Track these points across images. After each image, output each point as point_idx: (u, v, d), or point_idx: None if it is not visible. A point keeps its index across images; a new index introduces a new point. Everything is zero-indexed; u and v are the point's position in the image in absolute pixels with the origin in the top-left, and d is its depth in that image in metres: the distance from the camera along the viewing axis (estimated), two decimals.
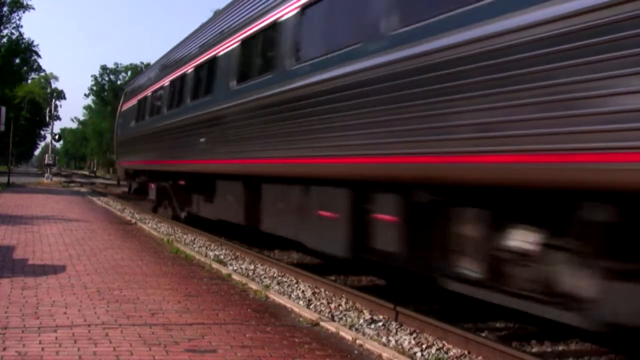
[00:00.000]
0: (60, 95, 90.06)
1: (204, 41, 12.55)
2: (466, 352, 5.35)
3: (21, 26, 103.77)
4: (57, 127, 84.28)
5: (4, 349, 4.32)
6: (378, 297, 7.19)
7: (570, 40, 3.85)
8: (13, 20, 62.42)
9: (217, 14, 13.22)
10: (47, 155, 45.04)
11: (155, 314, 5.63)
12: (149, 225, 14.92)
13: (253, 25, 9.47)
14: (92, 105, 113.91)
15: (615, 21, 3.59)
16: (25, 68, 69.72)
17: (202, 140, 11.44)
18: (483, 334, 5.93)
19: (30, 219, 13.98)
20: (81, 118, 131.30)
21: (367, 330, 6.01)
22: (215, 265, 8.85)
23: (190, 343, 4.73)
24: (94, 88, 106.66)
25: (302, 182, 7.78)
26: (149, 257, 9.21)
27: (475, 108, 4.54)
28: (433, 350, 5.44)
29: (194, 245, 11.78)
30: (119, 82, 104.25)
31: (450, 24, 4.91)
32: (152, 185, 17.06)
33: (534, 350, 5.62)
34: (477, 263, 5.10)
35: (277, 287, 8.01)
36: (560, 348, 5.71)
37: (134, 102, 20.62)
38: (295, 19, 7.87)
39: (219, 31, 11.54)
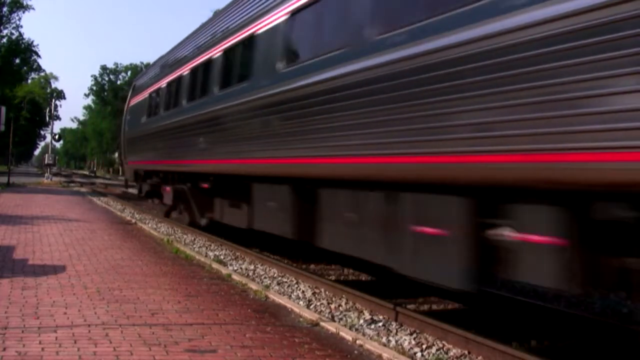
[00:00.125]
0: (60, 95, 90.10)
1: (239, 20, 10.47)
2: (466, 352, 5.35)
3: (21, 26, 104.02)
4: (57, 127, 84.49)
5: (4, 349, 4.32)
6: (378, 297, 7.19)
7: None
8: (13, 21, 62.52)
9: None
10: (47, 155, 45.06)
11: (155, 314, 5.63)
12: (149, 225, 14.92)
13: None
14: (92, 105, 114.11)
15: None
16: (25, 68, 69.76)
17: (233, 136, 9.83)
18: (483, 334, 5.93)
19: (30, 219, 13.98)
20: (81, 118, 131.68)
21: (367, 331, 6.01)
22: (215, 265, 8.85)
23: (190, 343, 4.73)
24: (94, 88, 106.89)
25: (382, 186, 6.18)
26: (149, 257, 9.21)
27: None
28: (433, 350, 5.44)
29: (194, 245, 11.78)
30: (119, 82, 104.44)
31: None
32: (168, 189, 15.03)
33: (534, 350, 5.62)
34: None
35: (277, 287, 8.01)
36: (560, 348, 5.71)
37: (144, 95, 18.49)
38: None
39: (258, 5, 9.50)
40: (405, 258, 5.83)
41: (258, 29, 9.21)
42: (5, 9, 61.06)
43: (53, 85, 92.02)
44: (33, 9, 63.83)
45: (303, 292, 7.86)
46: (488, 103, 4.46)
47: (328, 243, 7.44)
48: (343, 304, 7.21)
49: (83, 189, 32.89)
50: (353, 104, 6.19)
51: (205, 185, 12.24)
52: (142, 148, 17.80)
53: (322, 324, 5.68)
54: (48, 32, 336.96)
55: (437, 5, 5.14)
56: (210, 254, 10.75)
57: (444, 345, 5.58)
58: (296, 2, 7.86)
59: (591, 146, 3.73)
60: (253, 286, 7.32)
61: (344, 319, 6.49)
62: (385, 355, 4.82)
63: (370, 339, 5.49)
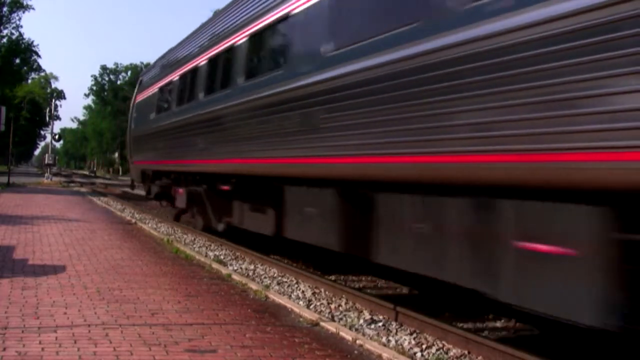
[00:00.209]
0: (60, 95, 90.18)
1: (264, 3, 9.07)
2: (466, 352, 5.35)
3: (21, 26, 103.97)
4: (57, 127, 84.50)
5: (4, 349, 4.32)
6: (378, 297, 7.19)
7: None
8: (13, 21, 62.52)
9: None
10: (47, 155, 45.08)
11: (155, 314, 5.63)
12: (149, 225, 14.92)
13: None
14: (92, 105, 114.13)
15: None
16: (25, 68, 69.77)
17: (262, 132, 8.58)
18: (483, 334, 5.93)
19: (30, 219, 13.98)
20: (81, 118, 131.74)
21: (367, 331, 6.01)
22: (215, 265, 8.85)
23: (190, 343, 4.73)
24: (94, 88, 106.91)
25: (468, 192, 5.08)
26: (149, 257, 9.21)
27: None
28: (433, 350, 5.44)
29: (194, 245, 11.78)
30: (119, 82, 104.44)
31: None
32: (181, 191, 13.79)
33: (534, 350, 5.61)
34: None
35: (277, 287, 8.01)
36: (561, 348, 5.71)
37: (153, 90, 17.01)
38: None
39: None
40: (506, 282, 4.74)
41: (295, 8, 7.75)
42: (5, 9, 61.07)
43: (53, 85, 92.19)
44: (33, 9, 63.89)
45: (303, 292, 7.86)
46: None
47: (390, 259, 6.24)
48: (343, 304, 7.21)
49: (83, 189, 32.89)
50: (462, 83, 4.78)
51: (225, 188, 10.97)
52: (151, 147, 16.50)
53: (322, 324, 5.68)
54: (48, 32, 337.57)
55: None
56: (210, 254, 10.75)
57: (444, 345, 5.58)
58: None
59: None
60: (253, 286, 7.32)
61: (344, 319, 6.49)
62: (385, 355, 4.82)
63: (370, 338, 5.49)
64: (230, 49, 10.35)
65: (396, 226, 6.09)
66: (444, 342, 5.63)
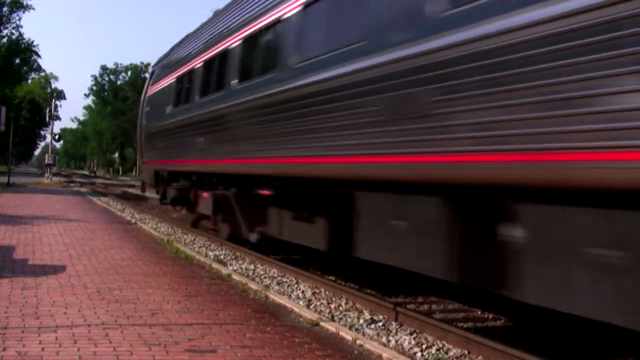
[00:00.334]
0: (60, 95, 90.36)
1: None
2: (466, 352, 5.35)
3: (21, 26, 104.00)
4: (57, 127, 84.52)
5: (4, 349, 4.32)
6: (378, 297, 7.19)
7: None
8: (13, 21, 62.57)
9: None
10: (47, 155, 45.11)
11: (155, 314, 5.63)
12: (149, 225, 14.92)
13: None
14: (92, 105, 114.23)
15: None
16: (25, 68, 69.81)
17: (324, 124, 6.81)
18: (483, 334, 5.93)
19: (30, 219, 13.98)
20: (81, 118, 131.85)
21: (367, 331, 6.01)
22: (215, 265, 8.85)
23: (190, 343, 4.73)
24: (94, 88, 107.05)
25: None
26: (149, 257, 9.21)
27: None
28: (433, 350, 5.44)
29: (194, 245, 11.78)
30: (119, 82, 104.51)
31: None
32: (206, 195, 11.90)
33: (534, 350, 5.62)
34: None
35: (277, 287, 8.01)
36: (561, 348, 5.71)
37: (170, 80, 15.03)
38: None
39: None
40: None
41: None
42: (5, 9, 61.11)
43: (53, 85, 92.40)
44: (33, 8, 63.89)
45: (303, 292, 7.86)
46: None
47: (559, 303, 4.37)
48: (343, 303, 7.21)
49: (83, 189, 32.90)
50: None
51: (265, 192, 9.21)
52: (167, 144, 14.54)
53: (322, 323, 5.68)
54: (48, 32, 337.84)
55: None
56: (210, 253, 10.75)
57: (444, 345, 5.58)
58: None
59: None
60: (253, 286, 7.32)
61: (344, 318, 6.49)
62: (385, 355, 4.82)
63: (370, 338, 5.49)
64: (277, 23, 8.42)
65: (560, 253, 4.29)
66: (444, 342, 5.64)
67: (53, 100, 53.74)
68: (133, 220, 15.40)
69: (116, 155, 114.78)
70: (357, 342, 5.15)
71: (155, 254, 9.61)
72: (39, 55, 69.57)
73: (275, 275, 9.02)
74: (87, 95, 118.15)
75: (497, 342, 5.27)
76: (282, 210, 8.75)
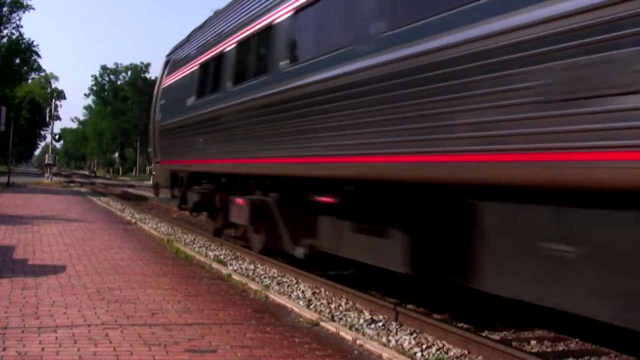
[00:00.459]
0: (60, 95, 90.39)
1: None
2: (466, 352, 5.35)
3: (21, 26, 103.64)
4: (57, 127, 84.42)
5: (4, 349, 4.32)
6: (378, 297, 7.19)
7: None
8: (13, 21, 62.47)
9: None
10: (47, 155, 45.14)
11: (155, 314, 5.63)
12: (149, 225, 14.92)
13: None
14: (92, 105, 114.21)
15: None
16: (25, 68, 69.74)
17: (434, 110, 5.04)
18: (483, 334, 5.93)
19: (30, 219, 13.99)
20: (81, 118, 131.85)
21: (367, 330, 6.01)
22: (215, 265, 8.85)
23: (190, 343, 4.73)
24: (94, 88, 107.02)
25: None
26: (149, 257, 9.21)
27: None
28: (433, 350, 5.44)
29: (194, 245, 11.78)
30: (119, 82, 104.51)
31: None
32: (241, 201, 10.01)
33: (534, 350, 5.62)
34: None
35: (277, 287, 8.01)
36: (560, 348, 5.71)
37: (191, 68, 12.95)
38: None
39: None
40: None
41: None
42: (5, 9, 61.04)
43: (53, 85, 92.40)
44: (33, 8, 63.68)
45: (303, 292, 7.86)
46: None
47: None
48: (343, 303, 7.21)
49: (83, 189, 32.91)
50: None
51: (327, 199, 7.38)
52: (188, 141, 12.55)
53: (322, 323, 5.68)
54: (48, 32, 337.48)
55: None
56: (210, 253, 10.75)
57: (444, 345, 5.58)
58: None
59: None
60: (253, 286, 7.32)
61: (344, 318, 6.49)
62: (385, 355, 4.82)
63: (370, 338, 5.49)
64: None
65: None
66: (444, 342, 5.63)
67: (53, 100, 53.82)
68: (133, 220, 15.40)
69: (116, 155, 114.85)
70: (357, 342, 5.15)
71: (155, 254, 9.61)
72: (39, 55, 69.56)
73: (275, 275, 9.02)
74: (87, 95, 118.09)
75: (497, 342, 5.27)
76: (339, 221, 7.28)
